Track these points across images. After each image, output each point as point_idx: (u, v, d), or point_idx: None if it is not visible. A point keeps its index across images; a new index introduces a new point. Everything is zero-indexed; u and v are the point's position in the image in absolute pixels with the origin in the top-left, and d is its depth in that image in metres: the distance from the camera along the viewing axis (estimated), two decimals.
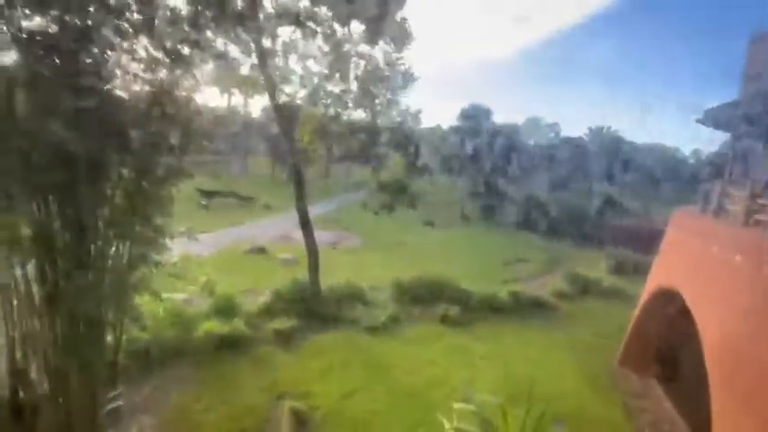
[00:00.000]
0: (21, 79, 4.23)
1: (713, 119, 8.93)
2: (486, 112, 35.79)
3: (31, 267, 4.71)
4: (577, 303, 13.66)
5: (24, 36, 4.21)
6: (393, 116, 11.41)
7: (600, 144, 38.06)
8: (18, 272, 4.66)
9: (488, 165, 30.98)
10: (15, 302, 4.71)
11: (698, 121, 9.11)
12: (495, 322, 11.54)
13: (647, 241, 13.89)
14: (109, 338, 5.55)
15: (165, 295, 7.81)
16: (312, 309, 10.63)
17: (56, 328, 4.77)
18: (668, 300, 8.36)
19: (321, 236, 15.95)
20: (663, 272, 8.65)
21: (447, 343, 10.03)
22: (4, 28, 4.16)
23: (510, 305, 12.44)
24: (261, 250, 16.04)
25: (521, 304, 12.57)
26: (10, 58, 4.30)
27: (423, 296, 12.08)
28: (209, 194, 24.40)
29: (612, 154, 35.51)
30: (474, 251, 20.13)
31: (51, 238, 4.61)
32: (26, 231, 4.60)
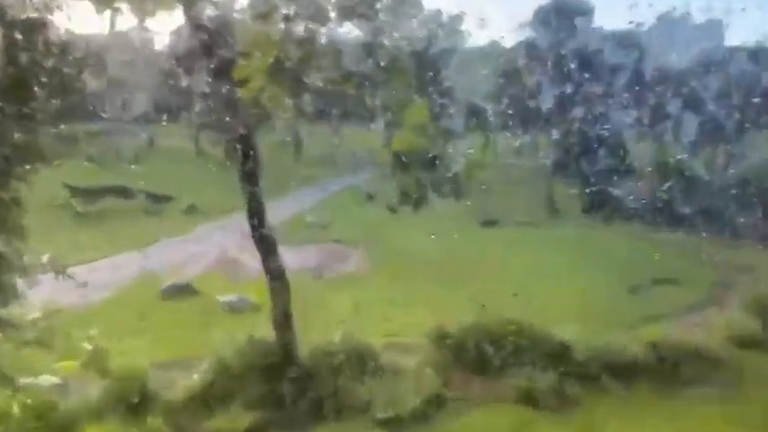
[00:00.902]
0: None
1: None
2: (584, 10, 35.30)
3: None
4: None
5: None
6: (411, 29, 11.32)
7: None
8: None
9: (591, 110, 30.56)
10: None
11: None
12: (622, 398, 11.51)
13: None
14: None
15: (21, 381, 7.86)
16: (286, 388, 10.74)
17: None
18: None
19: (294, 256, 16.04)
20: None
21: None
22: None
23: (649, 365, 12.36)
24: (187, 290, 16.39)
25: (669, 362, 12.46)
26: None
27: (484, 357, 12.09)
28: (89, 194, 24.84)
29: None
30: (574, 269, 20.13)
31: None
32: None
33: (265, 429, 10.03)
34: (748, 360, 13.05)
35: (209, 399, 10.43)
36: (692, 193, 27.42)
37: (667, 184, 27.22)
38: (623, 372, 12.12)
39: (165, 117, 39.27)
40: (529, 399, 11.16)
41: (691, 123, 33.13)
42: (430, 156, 17.06)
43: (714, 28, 39.38)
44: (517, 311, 13.15)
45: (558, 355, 12.07)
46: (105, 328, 12.59)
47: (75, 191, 24.69)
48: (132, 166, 30.64)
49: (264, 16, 10.92)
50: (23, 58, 5.18)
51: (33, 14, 5.46)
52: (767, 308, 14.86)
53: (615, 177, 28.59)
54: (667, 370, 12.31)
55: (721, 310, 16.01)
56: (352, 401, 10.75)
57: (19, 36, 5.14)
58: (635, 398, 11.47)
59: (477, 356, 12.12)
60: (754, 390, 11.97)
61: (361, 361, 11.59)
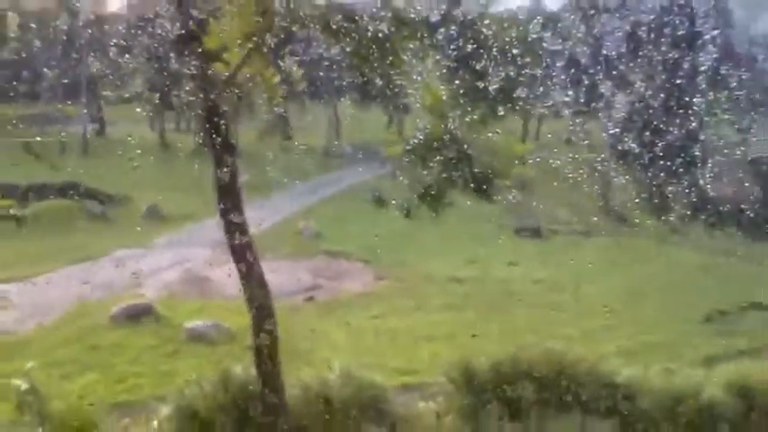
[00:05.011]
0: None
1: None
2: None
3: None
4: None
5: None
6: None
7: None
8: None
9: (659, 87, 30.56)
10: None
11: None
12: None
13: None
14: None
15: None
16: None
17: None
18: None
19: (282, 273, 17.19)
20: None
21: None
22: None
23: (731, 413, 12.09)
24: (146, 314, 16.64)
25: (758, 410, 12.22)
26: None
27: (522, 400, 11.96)
28: (25, 194, 25.01)
29: None
30: (638, 290, 20.39)
31: None
32: None
33: None
34: None
35: None
36: None
37: None
38: (698, 421, 11.89)
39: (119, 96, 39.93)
40: None
41: None
42: (453, 145, 17.32)
43: None
44: (559, 341, 13.18)
45: (615, 400, 11.90)
46: (44, 361, 12.52)
47: (7, 189, 24.79)
48: (80, 160, 31.16)
49: None
50: None
51: None
52: None
53: (693, 170, 28.53)
54: (754, 419, 12.16)
55: None
56: None
57: None
58: None
59: (512, 400, 12.00)
60: None
61: (365, 406, 11.44)
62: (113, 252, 22.13)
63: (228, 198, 10.75)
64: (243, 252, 11.06)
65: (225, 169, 10.62)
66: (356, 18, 11.51)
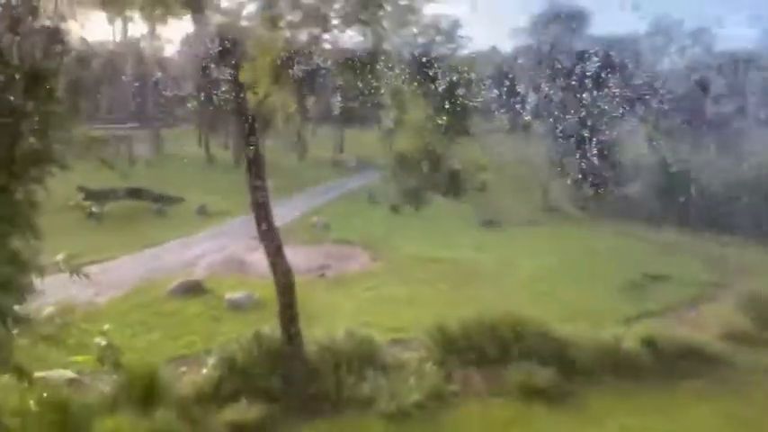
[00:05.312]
0: None
1: None
2: (578, 17, 35.59)
3: None
4: None
5: None
6: (411, 36, 11.52)
7: None
8: None
9: (587, 109, 30.86)
10: None
11: None
12: (618, 393, 11.55)
13: None
14: None
15: (36, 374, 7.98)
16: (291, 383, 10.85)
17: None
18: None
19: (300, 255, 17.25)
20: None
21: None
22: None
23: (644, 360, 12.45)
24: (196, 288, 16.83)
25: (663, 358, 12.56)
26: None
27: (485, 352, 12.21)
28: (100, 196, 24.97)
29: None
30: (571, 267, 20.58)
31: None
32: None
33: (276, 421, 10.04)
34: (741, 356, 13.11)
35: (218, 393, 10.49)
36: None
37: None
38: (619, 367, 12.19)
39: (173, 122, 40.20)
40: (528, 393, 11.21)
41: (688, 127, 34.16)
42: (431, 155, 17.40)
43: None
44: (514, 307, 13.42)
45: (557, 351, 12.16)
46: (117, 324, 12.81)
47: (88, 193, 24.79)
48: (144, 170, 31.39)
49: (271, 24, 10.91)
50: (41, 65, 5.20)
51: (46, 23, 5.46)
52: (761, 305, 14.97)
53: (607, 174, 29.33)
54: (663, 365, 12.41)
55: (717, 306, 16.24)
56: (355, 395, 10.80)
57: (36, 44, 5.18)
58: (630, 392, 11.53)
59: (474, 350, 12.23)
60: (747, 384, 12.03)
61: (364, 356, 11.65)
62: (171, 241, 22.41)
63: (253, 167, 11.26)
64: (261, 211, 11.26)
65: (251, 147, 11.25)
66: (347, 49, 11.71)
